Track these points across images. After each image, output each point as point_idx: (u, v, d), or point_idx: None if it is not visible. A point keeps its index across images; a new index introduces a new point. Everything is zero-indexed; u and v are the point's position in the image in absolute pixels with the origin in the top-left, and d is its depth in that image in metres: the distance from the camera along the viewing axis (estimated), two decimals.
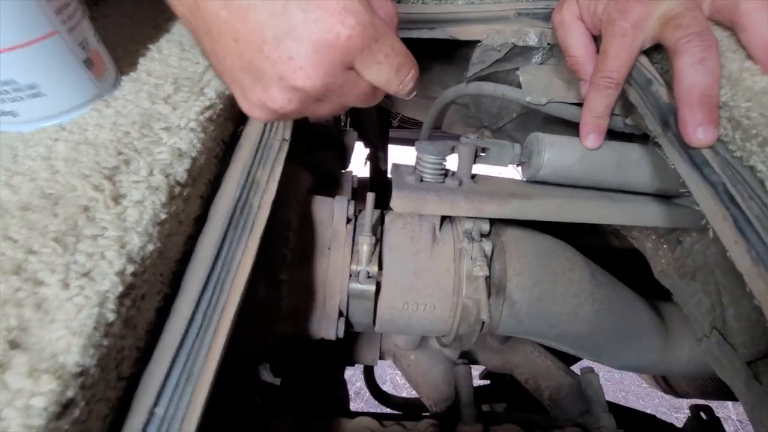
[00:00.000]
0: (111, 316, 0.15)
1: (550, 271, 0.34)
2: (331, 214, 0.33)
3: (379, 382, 0.69)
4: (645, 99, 0.29)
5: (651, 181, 0.33)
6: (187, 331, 0.18)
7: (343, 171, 0.43)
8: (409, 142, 0.97)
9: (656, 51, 0.31)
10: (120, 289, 0.15)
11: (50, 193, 0.17)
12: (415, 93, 0.23)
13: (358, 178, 0.47)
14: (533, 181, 0.35)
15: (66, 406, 0.13)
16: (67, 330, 0.14)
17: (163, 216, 0.18)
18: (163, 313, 0.18)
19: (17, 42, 0.18)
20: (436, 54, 0.46)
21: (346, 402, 0.52)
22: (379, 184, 0.49)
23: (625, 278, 0.43)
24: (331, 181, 0.41)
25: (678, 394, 0.85)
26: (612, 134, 0.39)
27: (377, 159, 0.63)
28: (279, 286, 0.29)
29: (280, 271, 0.29)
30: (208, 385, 0.17)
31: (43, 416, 0.12)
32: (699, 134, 0.24)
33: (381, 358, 0.47)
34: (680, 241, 0.38)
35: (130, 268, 0.16)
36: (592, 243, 0.57)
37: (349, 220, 0.33)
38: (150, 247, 0.17)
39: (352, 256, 0.31)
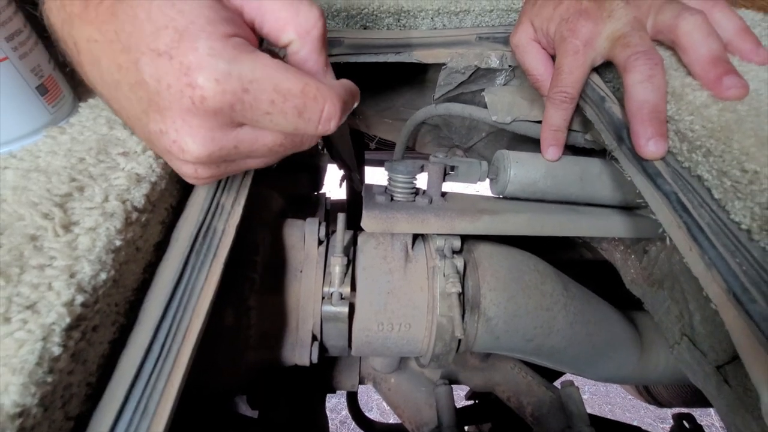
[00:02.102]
0: (57, 350, 0.14)
1: (523, 286, 0.35)
2: (302, 236, 0.32)
3: (364, 408, 0.67)
4: (600, 116, 0.30)
5: (613, 194, 0.34)
6: (143, 363, 0.17)
7: (315, 193, 0.43)
8: (383, 163, 0.99)
9: (608, 70, 0.33)
10: (68, 320, 0.15)
11: None
12: (353, 106, 0.20)
13: (333, 200, 0.47)
14: (502, 197, 0.35)
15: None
16: (5, 367, 0.13)
17: (118, 243, 0.18)
18: (118, 345, 0.17)
19: None
20: (405, 77, 0.47)
21: None
22: (355, 206, 0.49)
23: (599, 290, 0.44)
24: (303, 204, 0.41)
25: (660, 404, 0.85)
26: (574, 150, 0.40)
27: (352, 181, 0.64)
28: (248, 312, 0.28)
29: (248, 297, 0.29)
30: (165, 420, 0.16)
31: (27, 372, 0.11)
32: (650, 147, 0.25)
33: (361, 383, 0.46)
34: (646, 251, 0.39)
35: (80, 299, 0.15)
36: (566, 256, 0.58)
37: (320, 242, 0.33)
38: (103, 276, 0.16)
39: (324, 279, 0.31)
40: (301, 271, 0.31)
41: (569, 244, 0.59)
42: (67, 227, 0.17)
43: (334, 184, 0.66)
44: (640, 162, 0.26)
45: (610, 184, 0.34)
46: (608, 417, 0.59)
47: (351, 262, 0.32)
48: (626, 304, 0.45)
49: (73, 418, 0.15)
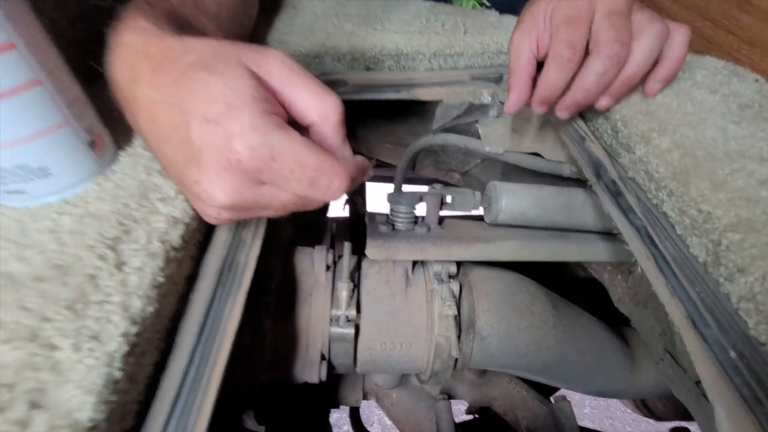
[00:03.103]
0: (118, 374, 0.17)
1: (514, 307, 0.37)
2: (311, 263, 0.35)
3: (366, 423, 0.69)
4: (581, 153, 0.33)
5: (596, 221, 0.37)
6: (182, 383, 0.20)
7: (321, 218, 0.46)
8: (387, 179, 1.02)
9: (589, 111, 0.36)
10: (125, 348, 0.18)
11: (59, 264, 0.20)
12: (365, 178, 0.23)
13: (338, 220, 0.50)
14: (495, 224, 0.39)
15: (94, 427, 0.15)
16: (80, 389, 0.16)
17: (160, 279, 0.21)
18: (160, 367, 0.20)
19: (33, 132, 0.21)
20: (406, 109, 0.50)
21: None
22: (358, 226, 0.52)
23: (591, 305, 0.47)
24: (310, 228, 0.44)
25: (658, 417, 0.87)
26: (560, 179, 0.43)
27: (355, 204, 0.67)
28: (263, 333, 0.31)
29: (264, 319, 0.32)
30: (204, 426, 0.19)
31: (101, 377, 0.14)
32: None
33: (364, 398, 0.48)
34: (631, 272, 0.42)
35: (133, 330, 0.18)
36: (560, 274, 0.61)
37: (328, 268, 0.36)
38: (150, 309, 0.19)
39: (332, 302, 0.34)
40: (311, 295, 0.34)
41: (563, 264, 0.61)
42: (119, 267, 0.20)
43: (338, 205, 0.70)
44: (615, 197, 0.30)
45: (593, 212, 0.37)
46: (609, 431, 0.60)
47: (356, 287, 0.35)
48: (617, 320, 0.47)
49: (127, 431, 0.18)
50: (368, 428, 0.65)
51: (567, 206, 0.38)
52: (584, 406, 1.53)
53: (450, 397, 0.48)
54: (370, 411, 1.43)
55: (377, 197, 0.65)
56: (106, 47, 0.22)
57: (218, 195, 0.19)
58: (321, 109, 0.21)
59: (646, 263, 0.26)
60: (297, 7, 0.46)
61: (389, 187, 0.41)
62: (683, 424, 0.77)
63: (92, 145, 0.23)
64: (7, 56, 0.18)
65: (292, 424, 0.47)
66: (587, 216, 0.37)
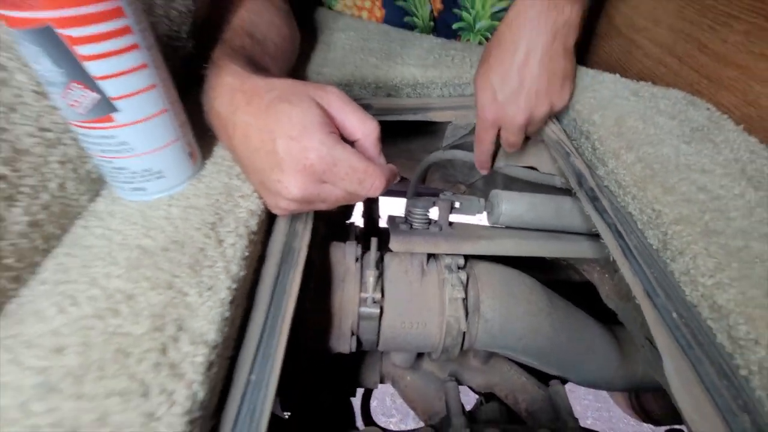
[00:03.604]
0: (227, 314, 0.24)
1: (513, 296, 0.44)
2: (344, 255, 0.42)
3: (386, 415, 0.74)
4: (566, 166, 0.41)
5: (581, 224, 0.44)
6: (263, 328, 0.27)
7: (347, 222, 0.53)
8: (397, 193, 1.10)
9: (574, 132, 0.44)
10: (230, 298, 0.25)
11: (177, 240, 0.27)
12: (395, 181, 0.31)
13: (358, 227, 0.57)
14: (496, 226, 0.46)
15: (210, 365, 0.22)
16: (205, 321, 0.23)
17: (246, 253, 0.28)
18: (245, 317, 0.27)
19: (158, 146, 0.28)
20: (420, 128, 0.58)
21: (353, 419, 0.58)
22: (373, 231, 0.59)
23: (586, 307, 0.53)
24: (339, 229, 0.51)
25: (656, 422, 0.91)
26: (552, 189, 0.51)
27: (371, 211, 0.75)
28: (306, 311, 0.38)
29: (306, 300, 0.39)
30: (279, 364, 0.25)
31: (200, 370, 0.21)
32: None
33: (381, 381, 0.54)
34: (616, 270, 0.49)
35: (234, 285, 0.25)
36: (558, 277, 0.67)
37: (357, 259, 0.43)
38: (241, 273, 0.27)
39: (360, 287, 0.41)
40: (343, 281, 0.41)
41: (560, 267, 0.68)
42: (219, 243, 0.27)
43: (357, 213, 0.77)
44: (593, 201, 0.37)
45: (579, 216, 0.44)
46: None
47: (381, 275, 0.42)
48: (609, 320, 0.53)
49: (229, 358, 0.25)
50: (388, 419, 0.70)
51: (557, 211, 0.45)
52: (587, 417, 1.56)
53: (457, 381, 0.54)
54: (385, 405, 1.46)
55: (390, 209, 0.72)
56: (208, 85, 0.30)
57: (293, 189, 0.27)
58: (364, 129, 0.29)
59: (615, 252, 0.33)
60: (329, 44, 0.55)
61: (399, 201, 0.49)
62: (677, 426, 0.81)
63: (191, 155, 0.31)
64: (151, 93, 0.26)
65: (316, 410, 0.53)
66: (574, 219, 0.44)
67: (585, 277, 0.59)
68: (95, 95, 0.24)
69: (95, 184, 0.30)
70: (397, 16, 0.66)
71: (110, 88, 0.24)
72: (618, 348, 0.53)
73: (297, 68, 0.49)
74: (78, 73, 0.23)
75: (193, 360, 0.21)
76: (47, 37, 0.21)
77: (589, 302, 0.54)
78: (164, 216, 0.29)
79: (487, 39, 0.71)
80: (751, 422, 0.22)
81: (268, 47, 0.38)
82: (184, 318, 0.23)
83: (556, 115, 0.45)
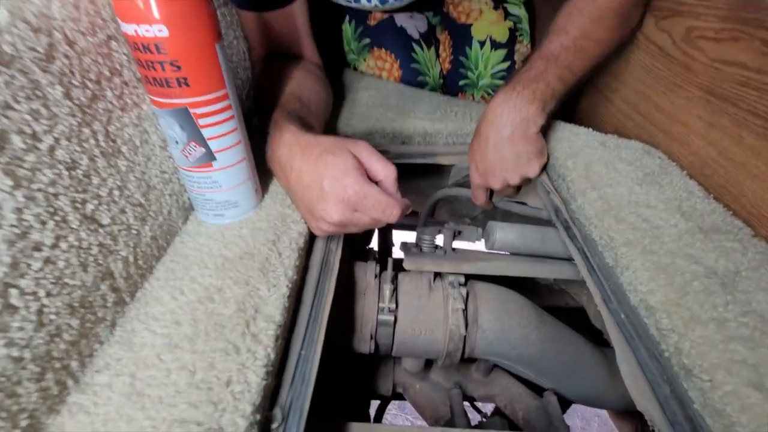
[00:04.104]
0: (286, 304, 0.34)
1: (506, 310, 0.52)
2: (365, 272, 0.52)
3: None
4: (547, 201, 0.50)
5: (562, 250, 0.53)
6: (309, 320, 0.36)
7: (367, 247, 0.63)
8: (408, 226, 1.21)
9: (553, 174, 0.54)
10: (288, 293, 0.34)
11: (249, 252, 0.37)
12: (408, 212, 0.41)
13: (376, 251, 0.67)
14: (492, 251, 0.55)
15: (277, 338, 0.31)
16: (273, 307, 0.32)
17: (297, 263, 0.38)
18: (295, 310, 0.37)
19: (236, 183, 0.39)
20: (429, 171, 0.69)
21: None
22: (387, 255, 0.69)
23: (581, 331, 0.60)
24: (361, 252, 0.61)
25: None
26: (539, 221, 0.60)
27: (386, 240, 0.84)
28: (335, 315, 0.47)
29: (336, 306, 0.48)
30: (321, 345, 0.34)
31: (271, 339, 0.30)
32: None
33: (393, 389, 0.62)
34: None
35: (289, 285, 0.35)
36: (554, 302, 0.75)
37: (376, 276, 0.52)
38: (294, 277, 0.36)
39: (378, 298, 0.50)
40: (364, 294, 0.50)
41: (555, 292, 0.76)
42: (279, 254, 0.37)
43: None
44: (567, 230, 0.46)
45: (560, 243, 0.53)
46: None
47: (395, 289, 0.51)
48: (602, 343, 0.60)
49: (285, 338, 0.34)
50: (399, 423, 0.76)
51: (542, 239, 0.54)
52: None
53: (461, 391, 0.61)
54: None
55: (402, 239, 0.82)
56: (271, 140, 0.41)
57: (334, 215, 0.37)
58: (386, 172, 0.39)
59: (583, 270, 0.42)
60: (354, 100, 0.67)
61: (409, 234, 0.58)
62: None
63: (256, 191, 0.42)
64: (237, 147, 0.37)
65: (334, 417, 0.60)
66: (556, 246, 0.53)
67: (577, 301, 0.67)
68: (203, 149, 0.35)
69: (187, 212, 0.41)
70: (412, 75, 0.78)
71: (214, 145, 0.35)
72: (607, 366, 0.60)
73: (331, 121, 0.60)
74: (196, 136, 0.34)
75: (267, 333, 0.31)
76: (182, 114, 0.32)
77: (586, 327, 0.61)
78: (237, 235, 0.39)
79: (489, 94, 0.83)
80: (671, 391, 0.30)
81: (312, 108, 0.50)
82: (259, 305, 0.33)
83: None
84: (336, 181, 0.36)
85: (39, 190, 0.24)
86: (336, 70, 0.78)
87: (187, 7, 0.29)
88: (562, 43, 0.48)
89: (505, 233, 0.53)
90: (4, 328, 0.22)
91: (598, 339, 0.59)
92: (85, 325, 0.28)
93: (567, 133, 0.56)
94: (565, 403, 0.69)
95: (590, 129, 0.57)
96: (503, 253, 0.55)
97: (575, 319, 0.66)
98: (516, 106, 0.47)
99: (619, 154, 0.51)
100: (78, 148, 0.27)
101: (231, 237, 0.39)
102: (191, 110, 0.32)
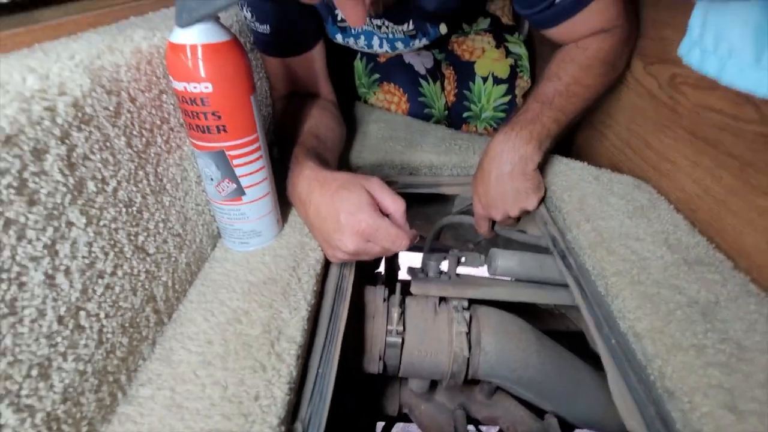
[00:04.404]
0: (306, 326, 0.37)
1: (507, 333, 0.55)
2: (375, 296, 0.55)
3: None
4: (545, 231, 0.54)
5: (561, 277, 0.56)
6: (325, 340, 0.39)
7: (376, 271, 0.66)
8: (414, 249, 1.25)
9: (551, 205, 0.57)
10: (307, 315, 0.38)
11: (271, 277, 0.41)
12: (415, 241, 0.45)
13: (384, 275, 0.70)
14: (494, 277, 0.58)
15: (298, 357, 0.34)
16: (295, 329, 0.36)
17: (314, 288, 0.41)
18: (312, 331, 0.40)
19: (262, 215, 0.43)
20: (435, 200, 0.73)
21: None
22: (394, 279, 0.72)
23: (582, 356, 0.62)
24: (370, 276, 0.64)
25: None
26: (539, 248, 0.63)
27: (393, 264, 0.88)
28: (346, 337, 0.50)
29: (347, 328, 0.51)
30: (336, 364, 0.38)
31: (293, 359, 0.34)
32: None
33: (399, 410, 0.64)
34: None
35: (308, 308, 0.39)
36: (556, 326, 0.78)
37: (384, 300, 0.55)
38: (312, 301, 0.40)
39: (387, 321, 0.53)
40: (373, 317, 0.54)
41: (556, 317, 0.78)
42: (299, 279, 0.41)
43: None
44: (563, 259, 0.49)
45: (557, 270, 0.56)
46: None
47: (403, 312, 0.54)
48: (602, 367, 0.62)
49: (305, 357, 0.37)
50: None
51: (541, 266, 0.57)
52: None
53: (465, 413, 0.63)
54: None
55: (409, 262, 0.85)
56: (292, 174, 0.46)
57: (350, 245, 0.41)
58: (395, 206, 0.43)
59: (577, 297, 0.45)
60: (365, 132, 0.72)
61: (416, 256, 0.62)
62: None
63: (278, 221, 0.46)
64: (264, 182, 0.42)
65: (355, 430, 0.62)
66: (555, 273, 0.57)
67: (577, 326, 0.70)
68: (235, 185, 0.39)
69: (215, 239, 0.45)
70: (419, 108, 0.84)
71: (244, 181, 0.39)
72: (607, 390, 0.62)
73: (344, 153, 0.65)
74: (229, 174, 0.38)
75: (289, 352, 0.34)
76: (219, 156, 0.37)
77: (585, 351, 0.64)
78: (261, 261, 0.43)
79: (491, 126, 0.88)
80: (656, 412, 0.33)
81: (328, 144, 0.55)
82: (281, 327, 0.36)
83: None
84: (351, 215, 0.40)
85: (104, 225, 0.28)
86: (348, 103, 0.84)
87: (229, 67, 0.34)
88: (556, 88, 0.53)
89: (506, 260, 0.57)
90: (74, 345, 0.25)
91: (597, 363, 0.62)
92: (133, 343, 0.31)
93: (563, 167, 0.60)
94: (567, 427, 0.71)
95: (585, 163, 0.61)
96: (505, 278, 0.58)
97: (576, 343, 0.68)
98: (515, 145, 0.52)
99: (612, 189, 0.54)
100: (134, 188, 0.31)
101: (255, 263, 0.43)
102: (227, 152, 0.37)
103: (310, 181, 0.44)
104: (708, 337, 0.34)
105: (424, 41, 0.65)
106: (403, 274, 0.91)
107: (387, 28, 0.62)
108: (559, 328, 0.79)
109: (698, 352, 0.33)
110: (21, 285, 0.22)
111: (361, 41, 0.67)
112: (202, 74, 0.33)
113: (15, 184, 0.21)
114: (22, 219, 0.22)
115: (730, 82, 0.24)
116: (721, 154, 0.45)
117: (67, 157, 0.25)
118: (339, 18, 0.60)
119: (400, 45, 0.67)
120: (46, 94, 0.24)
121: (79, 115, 0.26)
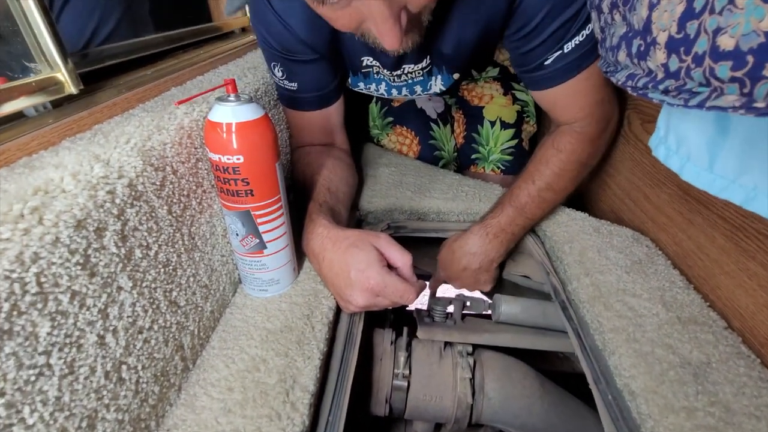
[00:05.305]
0: (318, 375, 0.40)
1: (511, 379, 0.57)
2: (382, 339, 0.58)
3: None
4: (546, 280, 0.56)
5: (562, 324, 0.58)
6: (335, 387, 0.42)
7: (384, 311, 0.69)
8: (424, 277, 1.27)
9: (552, 255, 0.60)
10: (320, 364, 0.41)
11: (287, 325, 0.44)
12: (423, 291, 0.48)
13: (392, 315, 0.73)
14: (498, 322, 0.60)
15: (310, 406, 0.37)
16: (308, 378, 0.39)
17: (326, 336, 0.44)
18: (323, 378, 0.43)
19: (280, 265, 0.47)
20: (442, 241, 0.76)
21: None
22: (402, 315, 0.75)
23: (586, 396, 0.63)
24: (377, 315, 0.67)
25: None
26: (542, 295, 0.65)
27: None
28: (355, 381, 0.53)
29: (355, 372, 0.53)
30: (345, 411, 0.40)
31: (306, 408, 0.37)
32: None
33: None
34: None
35: (321, 357, 0.41)
36: (562, 368, 0.78)
37: (391, 343, 0.58)
38: (324, 349, 0.43)
39: (393, 364, 0.55)
40: (381, 360, 0.56)
41: (559, 359, 0.79)
42: (313, 327, 0.44)
43: None
44: (564, 310, 0.52)
45: (559, 318, 0.58)
46: None
47: (409, 356, 0.56)
48: None
49: (316, 404, 0.40)
50: None
51: (544, 313, 0.59)
52: None
53: None
54: None
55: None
56: (306, 231, 0.49)
57: (360, 301, 0.44)
58: (403, 260, 0.46)
59: (577, 349, 0.47)
60: (376, 177, 0.76)
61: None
62: None
63: (294, 269, 0.50)
64: (284, 236, 0.46)
65: None
66: (557, 320, 0.59)
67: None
68: (258, 240, 0.43)
69: (235, 285, 0.49)
70: (429, 150, 0.88)
71: (267, 236, 0.43)
72: None
73: (357, 197, 0.69)
74: (254, 230, 0.42)
75: (302, 401, 0.37)
76: (245, 215, 0.41)
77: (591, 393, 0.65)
78: (278, 309, 0.46)
79: (498, 168, 0.91)
80: None
81: (339, 196, 0.59)
82: (296, 375, 0.39)
83: (541, 241, 0.62)
84: (360, 273, 0.43)
85: (146, 286, 0.32)
86: (361, 143, 0.89)
87: (258, 141, 0.38)
88: (530, 193, 0.58)
89: (509, 307, 0.59)
90: (116, 397, 0.29)
91: None
92: (162, 391, 0.34)
93: (565, 218, 0.63)
94: None
95: (586, 214, 0.64)
96: (508, 324, 0.60)
97: (581, 384, 0.69)
98: (487, 251, 0.60)
99: (611, 241, 0.57)
100: (171, 249, 0.35)
101: (273, 310, 0.46)
102: (253, 212, 0.41)
103: (322, 239, 0.47)
104: (699, 400, 0.36)
105: (440, 81, 0.69)
106: (411, 309, 0.93)
107: (407, 75, 0.66)
108: (565, 370, 0.80)
109: (689, 415, 0.35)
110: (79, 347, 0.26)
111: (382, 87, 0.71)
112: (235, 147, 0.37)
113: (81, 261, 0.25)
114: (84, 290, 0.26)
115: (689, 180, 0.27)
116: (713, 215, 0.48)
117: (121, 231, 0.29)
118: (364, 65, 0.65)
119: (418, 88, 0.71)
120: (108, 180, 0.28)
121: (133, 193, 0.30)
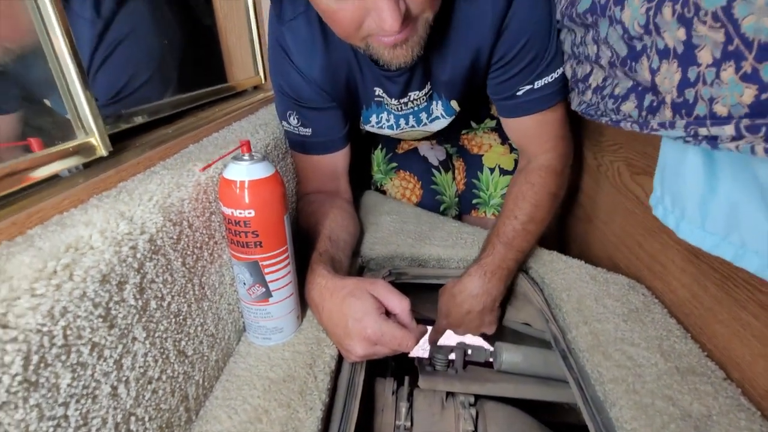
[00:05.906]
0: (320, 426, 0.40)
1: (514, 431, 0.56)
2: (383, 389, 0.58)
3: None
4: (546, 328, 0.57)
5: (564, 372, 0.58)
6: None
7: (384, 359, 0.69)
8: (426, 321, 1.26)
9: (551, 301, 0.61)
10: (322, 415, 0.41)
11: (290, 375, 0.44)
12: (423, 336, 0.48)
13: (393, 363, 0.72)
14: (500, 371, 0.60)
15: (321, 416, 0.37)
16: (308, 429, 0.39)
17: (328, 386, 0.45)
18: (325, 429, 0.43)
19: (284, 314, 0.48)
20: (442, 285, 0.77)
21: None
22: (404, 361, 0.74)
23: None
24: (379, 363, 0.66)
25: None
26: (542, 343, 0.65)
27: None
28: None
29: (355, 422, 0.53)
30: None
31: (316, 423, 0.37)
32: None
33: None
34: None
35: (323, 407, 0.42)
36: (569, 420, 0.76)
37: (393, 393, 0.57)
38: (327, 400, 0.43)
39: (395, 415, 0.55)
40: (382, 410, 0.55)
41: (564, 410, 0.78)
42: (315, 377, 0.44)
43: None
44: (564, 359, 0.52)
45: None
46: None
47: (410, 406, 0.56)
48: None
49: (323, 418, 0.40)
50: None
51: (546, 362, 0.59)
52: None
53: None
54: None
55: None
56: (307, 281, 0.51)
57: (358, 350, 0.44)
58: (401, 306, 0.47)
59: (578, 400, 0.47)
60: (378, 224, 0.79)
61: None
62: None
63: (298, 317, 0.51)
64: (289, 285, 0.47)
65: None
66: (558, 369, 0.58)
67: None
68: (264, 289, 0.45)
69: (240, 333, 0.50)
70: (431, 196, 0.91)
71: (273, 286, 0.45)
72: None
73: (359, 245, 0.71)
74: (260, 280, 0.44)
75: (310, 416, 0.37)
76: (253, 265, 0.43)
77: None
78: (281, 357, 0.47)
79: (498, 212, 0.94)
80: None
81: (340, 245, 0.61)
82: (298, 428, 0.39)
83: (539, 288, 0.63)
84: (357, 322, 0.44)
85: (158, 336, 0.33)
86: (363, 190, 0.92)
87: (268, 197, 0.41)
88: (515, 227, 0.61)
89: (511, 355, 0.59)
90: None
91: None
92: None
93: (562, 265, 0.64)
94: None
95: (582, 261, 0.65)
96: (509, 373, 0.60)
97: None
98: (488, 290, 0.60)
99: (608, 290, 0.58)
100: (183, 300, 0.37)
101: (276, 359, 0.47)
102: (261, 263, 0.43)
103: (321, 289, 0.49)
104: None
105: (441, 107, 0.72)
106: (413, 357, 0.92)
107: (413, 102, 0.70)
108: (570, 421, 0.78)
109: None
110: (94, 398, 0.27)
111: (392, 119, 0.75)
112: (247, 202, 0.40)
113: (103, 313, 0.27)
114: (102, 341, 0.27)
115: (684, 237, 0.30)
116: (703, 264, 0.50)
117: (140, 284, 0.31)
118: (376, 95, 0.69)
119: (423, 116, 0.75)
120: (132, 236, 0.30)
121: (152, 247, 0.32)
